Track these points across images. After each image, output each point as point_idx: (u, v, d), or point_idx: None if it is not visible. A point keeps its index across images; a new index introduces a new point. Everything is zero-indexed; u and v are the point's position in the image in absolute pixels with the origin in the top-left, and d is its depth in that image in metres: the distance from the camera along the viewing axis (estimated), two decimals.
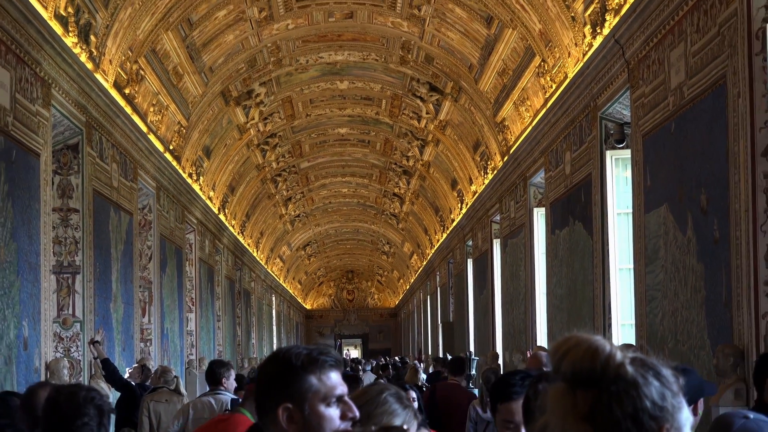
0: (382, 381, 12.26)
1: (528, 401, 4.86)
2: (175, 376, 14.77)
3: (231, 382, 10.69)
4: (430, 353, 38.64)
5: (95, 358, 13.58)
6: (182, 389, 14.80)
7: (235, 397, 10.44)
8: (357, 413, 3.52)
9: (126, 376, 15.22)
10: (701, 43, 10.38)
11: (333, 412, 3.44)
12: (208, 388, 10.77)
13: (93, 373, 14.52)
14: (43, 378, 12.34)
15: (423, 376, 19.66)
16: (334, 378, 3.48)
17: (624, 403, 2.24)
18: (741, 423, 3.98)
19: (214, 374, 10.59)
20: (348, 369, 21.84)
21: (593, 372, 2.27)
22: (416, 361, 30.30)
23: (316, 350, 3.54)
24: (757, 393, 6.52)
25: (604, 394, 2.26)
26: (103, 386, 14.45)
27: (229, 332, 30.51)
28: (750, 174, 9.20)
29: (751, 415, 4.09)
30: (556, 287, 17.09)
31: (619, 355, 2.28)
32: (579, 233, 15.38)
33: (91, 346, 13.69)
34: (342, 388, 3.48)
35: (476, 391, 13.16)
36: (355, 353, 58.69)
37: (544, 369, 12.21)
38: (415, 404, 9.62)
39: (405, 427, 4.39)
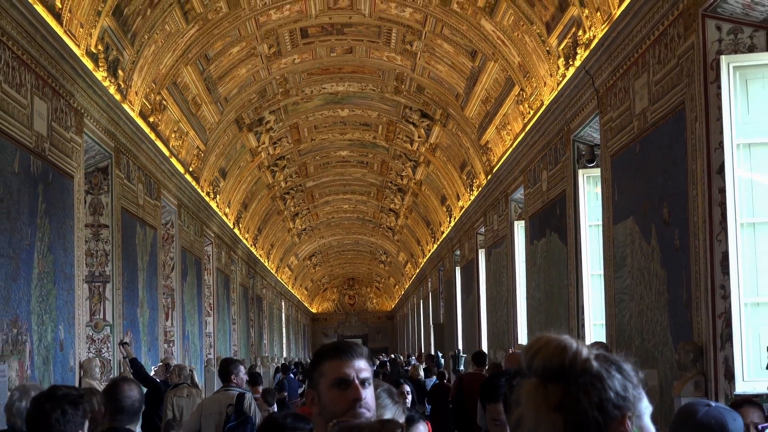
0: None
1: (505, 396, 4.87)
2: (191, 370, 14.78)
3: (241, 378, 10.64)
4: (422, 351, 38.57)
5: (124, 358, 13.57)
6: (197, 381, 14.81)
7: (243, 390, 10.37)
8: (362, 395, 3.53)
9: (152, 373, 15.21)
10: (662, 73, 10.41)
11: (338, 394, 3.47)
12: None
13: (121, 371, 14.51)
14: (77, 376, 12.34)
15: (422, 372, 19.73)
16: (344, 364, 3.51)
17: (591, 394, 2.26)
18: (704, 410, 4.01)
19: (225, 371, 10.56)
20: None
21: (562, 367, 2.29)
22: (415, 359, 30.26)
23: (339, 342, 3.62)
24: None
25: (573, 387, 2.27)
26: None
27: (243, 334, 30.47)
28: (707, 189, 9.22)
29: (713, 403, 4.14)
30: (535, 291, 17.08)
31: (584, 352, 2.30)
32: (555, 243, 15.38)
33: (121, 346, 13.68)
34: (348, 372, 3.50)
35: None
36: None
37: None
38: (409, 397, 9.65)
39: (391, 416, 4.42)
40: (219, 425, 9.92)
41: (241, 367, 10.90)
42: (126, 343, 13.75)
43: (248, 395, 10.16)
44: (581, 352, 2.30)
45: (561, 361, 2.29)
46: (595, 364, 2.29)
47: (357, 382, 3.51)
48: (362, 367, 3.53)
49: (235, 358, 12.59)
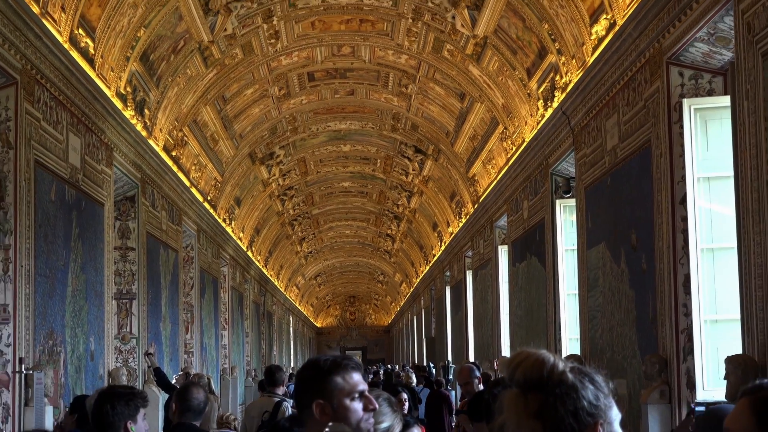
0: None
1: (488, 404, 4.86)
2: (208, 378, 14.72)
3: (283, 386, 10.26)
4: (416, 362, 38.47)
5: (149, 367, 13.53)
6: (214, 388, 14.74)
7: (283, 399, 9.85)
8: (376, 405, 3.55)
9: (173, 381, 15.15)
10: (630, 114, 10.43)
11: (356, 405, 3.47)
12: (241, 390, 10.62)
13: (146, 379, 14.47)
14: (105, 383, 12.31)
15: (414, 380, 19.65)
16: (356, 378, 3.50)
17: (566, 403, 2.27)
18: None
19: (271, 378, 10.16)
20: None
21: (541, 379, 2.29)
22: (410, 369, 30.18)
23: (339, 357, 3.59)
24: None
25: (550, 397, 2.28)
26: (154, 389, 14.42)
27: (255, 346, 30.40)
28: (670, 218, 9.23)
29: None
30: (517, 309, 17.06)
31: (560, 365, 2.31)
32: (534, 266, 15.38)
33: (146, 357, 13.64)
34: (362, 386, 3.51)
35: (453, 393, 13.02)
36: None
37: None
38: (406, 404, 9.60)
39: (391, 426, 4.41)
40: (252, 429, 9.77)
41: (286, 376, 10.61)
42: (150, 353, 13.72)
43: (285, 404, 9.66)
44: (557, 365, 2.31)
45: (540, 374, 2.30)
46: (570, 376, 2.30)
47: (368, 392, 3.53)
48: (363, 380, 3.56)
49: (278, 365, 12.29)
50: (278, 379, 10.16)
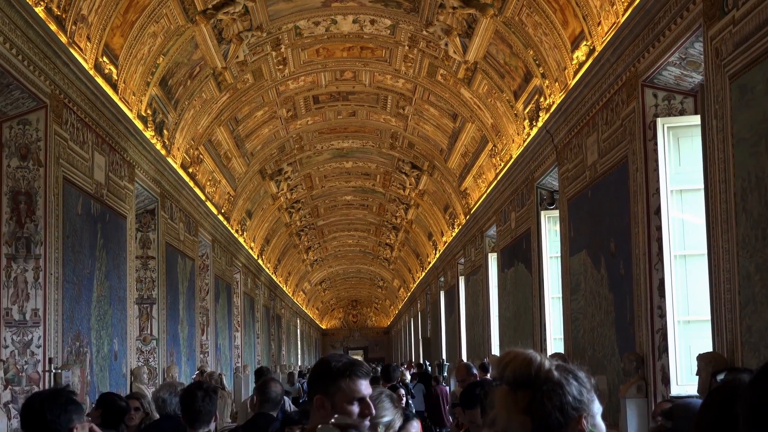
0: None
1: (481, 400, 4.85)
2: (220, 375, 14.73)
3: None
4: (412, 361, 38.43)
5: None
6: (226, 385, 14.74)
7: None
8: (373, 411, 3.55)
9: (193, 377, 15.30)
10: (609, 132, 10.45)
11: (354, 409, 3.46)
12: (252, 387, 10.63)
13: (165, 377, 14.47)
14: (128, 381, 12.31)
15: (408, 377, 19.61)
16: (360, 384, 3.50)
17: (553, 399, 2.27)
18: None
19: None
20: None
21: (529, 377, 2.30)
22: (404, 367, 30.11)
23: (350, 362, 3.59)
24: None
25: (538, 393, 2.29)
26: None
27: (266, 346, 30.37)
28: (646, 227, 9.24)
29: None
30: (505, 311, 17.06)
31: (547, 364, 2.32)
32: (522, 272, 15.38)
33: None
34: (364, 392, 3.50)
35: (447, 389, 12.98)
36: None
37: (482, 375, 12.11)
38: (404, 399, 9.56)
39: (392, 421, 4.41)
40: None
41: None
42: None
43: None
44: (544, 364, 2.31)
45: (528, 372, 2.31)
46: (555, 373, 2.30)
47: (368, 399, 3.53)
48: (368, 386, 3.56)
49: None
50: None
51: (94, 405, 7.26)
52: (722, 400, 2.06)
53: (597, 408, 2.34)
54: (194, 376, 16.11)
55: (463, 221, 21.68)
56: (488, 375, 13.88)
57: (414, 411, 13.46)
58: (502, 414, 2.32)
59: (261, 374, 10.86)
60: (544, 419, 2.27)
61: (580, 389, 2.31)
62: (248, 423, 6.88)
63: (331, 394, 3.49)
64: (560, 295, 12.94)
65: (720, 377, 5.73)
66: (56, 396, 4.15)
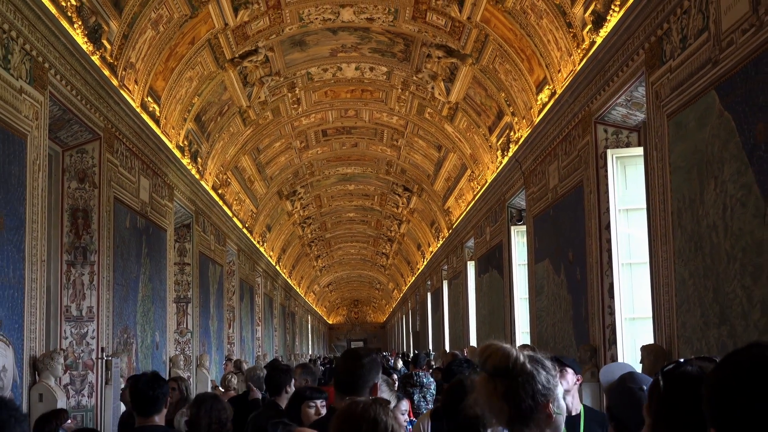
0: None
1: (463, 384, 4.83)
2: (244, 361, 14.70)
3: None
4: (404, 350, 38.38)
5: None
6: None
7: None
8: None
9: (223, 364, 15.28)
10: (567, 161, 10.47)
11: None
12: None
13: (198, 364, 14.43)
14: (167, 367, 12.28)
15: (400, 364, 19.56)
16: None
17: (526, 388, 2.28)
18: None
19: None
20: None
21: (507, 369, 2.31)
22: (395, 356, 30.04)
23: (374, 351, 3.68)
24: None
25: (513, 383, 2.29)
26: (205, 373, 14.38)
27: (282, 338, 30.32)
28: (598, 240, 9.25)
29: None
30: (482, 309, 17.04)
31: (521, 357, 2.32)
32: (495, 277, 15.38)
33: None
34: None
35: (431, 377, 12.76)
36: None
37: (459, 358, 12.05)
38: (396, 384, 9.55)
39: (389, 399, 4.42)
40: None
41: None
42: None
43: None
44: (519, 358, 2.32)
45: (506, 364, 2.31)
46: (528, 366, 2.31)
47: None
48: None
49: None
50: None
51: (125, 387, 7.23)
52: (672, 388, 2.06)
53: (560, 391, 2.35)
54: (224, 363, 16.08)
55: (446, 234, 21.69)
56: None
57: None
58: (483, 398, 2.33)
59: (272, 365, 10.79)
60: (518, 405, 2.28)
61: (548, 377, 2.32)
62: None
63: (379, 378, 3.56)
64: (527, 297, 12.93)
65: (666, 368, 5.66)
66: (156, 378, 4.80)
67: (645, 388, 3.54)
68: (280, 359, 18.46)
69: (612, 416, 3.49)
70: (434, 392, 9.10)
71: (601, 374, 4.27)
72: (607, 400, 3.75)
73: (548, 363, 2.36)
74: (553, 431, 2.31)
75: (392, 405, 4.45)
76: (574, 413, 4.93)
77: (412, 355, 24.67)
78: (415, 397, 9.05)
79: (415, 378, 9.30)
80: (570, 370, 5.01)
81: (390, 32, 13.37)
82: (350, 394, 3.47)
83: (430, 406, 7.58)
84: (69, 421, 5.78)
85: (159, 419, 4.67)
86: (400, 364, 19.51)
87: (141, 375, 4.86)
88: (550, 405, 2.30)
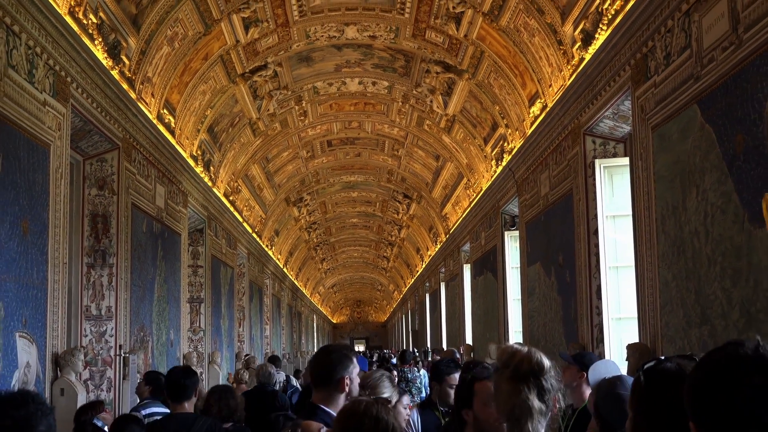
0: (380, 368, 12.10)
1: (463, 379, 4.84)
2: (254, 358, 14.65)
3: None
4: (403, 348, 38.34)
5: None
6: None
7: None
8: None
9: (234, 360, 15.28)
10: (558, 170, 10.47)
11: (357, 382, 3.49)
12: None
13: (210, 360, 14.42)
14: (181, 363, 12.28)
15: (394, 361, 19.55)
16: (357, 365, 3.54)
17: (543, 387, 2.31)
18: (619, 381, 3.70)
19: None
20: (363, 356, 21.69)
21: (534, 371, 2.33)
22: (392, 353, 30.02)
23: (349, 348, 3.62)
24: None
25: (531, 383, 2.32)
26: (216, 368, 14.37)
27: (289, 336, 30.30)
28: (586, 244, 9.25)
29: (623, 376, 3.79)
30: (477, 310, 17.04)
31: (546, 360, 2.35)
32: (489, 279, 15.37)
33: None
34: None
35: (424, 372, 12.60)
36: (361, 348, 58.18)
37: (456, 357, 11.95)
38: (396, 380, 9.55)
39: (390, 397, 4.40)
40: None
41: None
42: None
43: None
44: (545, 361, 2.35)
45: (537, 368, 2.33)
46: (551, 371, 2.34)
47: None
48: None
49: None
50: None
51: (143, 381, 7.23)
52: (653, 384, 2.06)
53: (558, 388, 2.38)
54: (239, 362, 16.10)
55: (444, 239, 21.69)
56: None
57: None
58: (506, 397, 2.34)
59: (272, 360, 10.88)
60: (546, 401, 2.31)
61: (556, 377, 2.34)
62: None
63: (351, 373, 3.47)
64: (520, 298, 12.93)
65: (647, 365, 5.67)
66: (188, 370, 5.28)
67: None
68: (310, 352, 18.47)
69: (598, 413, 3.50)
70: (420, 386, 9.13)
71: (591, 373, 4.29)
72: (593, 396, 3.74)
73: (552, 364, 2.39)
74: (551, 422, 2.35)
75: (395, 400, 4.45)
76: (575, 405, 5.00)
77: (399, 352, 24.73)
78: None
79: (401, 373, 9.36)
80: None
81: (391, 49, 13.39)
82: (322, 386, 3.46)
83: (417, 399, 7.63)
84: (104, 412, 5.87)
85: (189, 405, 5.07)
86: (394, 360, 19.51)
87: (175, 367, 5.34)
88: (557, 400, 2.33)
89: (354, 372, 3.48)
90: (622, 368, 8.24)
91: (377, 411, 2.79)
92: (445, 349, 18.20)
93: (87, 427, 5.32)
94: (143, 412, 6.18)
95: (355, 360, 3.50)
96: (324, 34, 12.75)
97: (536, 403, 2.32)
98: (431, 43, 12.58)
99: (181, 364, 12.19)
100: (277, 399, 7.50)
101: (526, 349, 2.38)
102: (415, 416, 5.10)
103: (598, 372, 4.06)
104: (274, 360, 12.47)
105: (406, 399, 5.02)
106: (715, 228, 6.02)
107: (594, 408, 3.63)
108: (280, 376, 11.08)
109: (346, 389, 3.44)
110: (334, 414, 3.25)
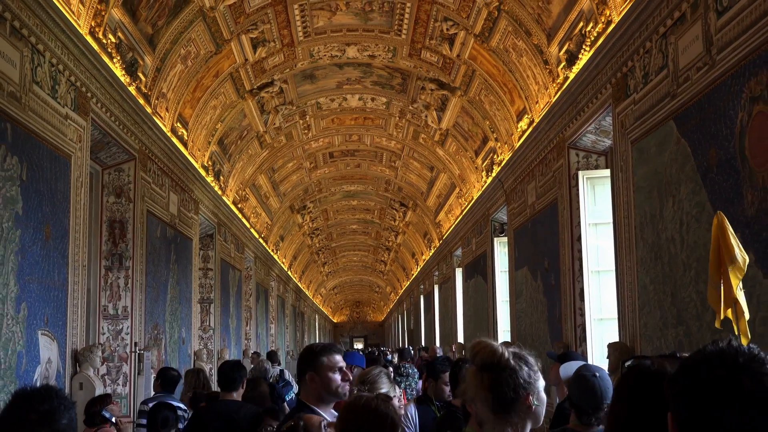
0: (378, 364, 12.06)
1: (455, 375, 4.84)
2: (259, 354, 14.61)
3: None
4: (399, 346, 38.28)
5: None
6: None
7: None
8: (350, 377, 3.50)
9: (242, 357, 15.26)
10: (544, 181, 10.49)
11: (336, 376, 3.41)
12: (283, 364, 10.59)
13: (219, 357, 14.39)
14: (192, 360, 12.25)
15: (389, 358, 19.45)
16: (337, 357, 3.45)
17: (509, 382, 2.27)
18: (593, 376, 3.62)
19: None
20: (364, 353, 21.60)
21: (493, 363, 2.30)
22: (389, 350, 29.96)
23: (327, 344, 3.55)
24: None
25: (498, 375, 2.28)
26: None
27: (293, 335, 30.24)
28: (570, 250, 9.26)
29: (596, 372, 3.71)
30: (468, 311, 17.02)
31: (506, 353, 2.32)
32: (480, 282, 15.37)
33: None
34: (341, 363, 3.45)
35: (414, 368, 12.54)
36: (360, 346, 58.08)
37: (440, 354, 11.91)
38: (392, 375, 9.52)
39: (388, 392, 4.39)
40: None
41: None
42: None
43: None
44: (504, 354, 2.31)
45: (492, 360, 2.30)
46: (512, 361, 2.30)
47: (345, 368, 3.49)
48: (342, 359, 3.50)
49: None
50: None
51: (154, 376, 7.25)
52: (634, 381, 2.07)
53: (540, 384, 2.35)
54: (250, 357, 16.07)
55: (438, 244, 21.69)
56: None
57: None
58: (471, 389, 2.32)
59: (271, 356, 10.94)
60: (501, 396, 2.27)
61: (530, 372, 2.31)
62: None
63: (317, 368, 3.45)
64: (508, 299, 12.92)
65: (627, 363, 5.68)
66: (237, 364, 5.52)
67: (597, 374, 3.60)
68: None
69: (572, 403, 3.58)
70: (415, 380, 9.10)
71: (561, 370, 4.44)
72: (567, 390, 3.86)
73: (531, 359, 2.35)
74: (533, 420, 2.31)
75: (392, 395, 4.43)
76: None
77: (398, 349, 24.67)
78: (402, 385, 9.07)
79: (401, 369, 9.33)
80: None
81: (389, 67, 13.41)
82: (300, 383, 3.51)
83: (414, 393, 7.61)
84: (112, 404, 5.88)
85: (237, 395, 5.30)
86: (390, 356, 19.45)
87: (227, 361, 5.61)
88: (530, 397, 2.29)
89: (322, 367, 3.42)
90: (603, 365, 8.24)
91: (377, 405, 2.81)
92: (430, 347, 18.27)
93: (96, 418, 5.56)
94: (150, 405, 6.20)
95: (326, 356, 3.46)
96: (327, 53, 12.77)
97: (487, 395, 2.30)
98: (426, 62, 12.61)
99: (192, 359, 12.18)
100: (274, 390, 7.49)
101: (489, 342, 2.37)
102: (413, 410, 5.09)
103: (570, 369, 4.19)
104: (271, 356, 12.53)
105: (397, 391, 5.03)
106: (690, 235, 6.03)
107: (568, 400, 3.73)
108: (275, 371, 11.24)
109: (315, 385, 3.42)
110: (314, 408, 3.34)
